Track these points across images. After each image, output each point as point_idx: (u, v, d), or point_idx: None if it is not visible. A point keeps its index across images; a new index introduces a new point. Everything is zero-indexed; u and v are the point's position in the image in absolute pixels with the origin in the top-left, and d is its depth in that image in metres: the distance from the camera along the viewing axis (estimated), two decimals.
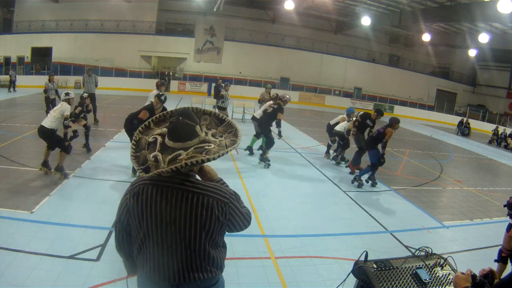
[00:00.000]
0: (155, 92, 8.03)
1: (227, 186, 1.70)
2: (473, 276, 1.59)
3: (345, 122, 8.39)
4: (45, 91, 10.45)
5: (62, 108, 5.78)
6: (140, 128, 1.71)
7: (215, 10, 20.64)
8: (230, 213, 1.56)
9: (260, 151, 8.15)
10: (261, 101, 10.41)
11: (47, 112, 10.08)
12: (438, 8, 18.47)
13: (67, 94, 6.23)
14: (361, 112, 7.91)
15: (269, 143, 7.57)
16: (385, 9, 21.74)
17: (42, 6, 22.80)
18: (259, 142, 8.45)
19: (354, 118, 8.05)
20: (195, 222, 1.50)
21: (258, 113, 8.03)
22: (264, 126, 7.55)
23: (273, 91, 11.13)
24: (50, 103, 10.30)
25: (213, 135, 1.65)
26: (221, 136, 1.65)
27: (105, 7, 23.53)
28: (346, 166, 8.21)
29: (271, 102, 7.69)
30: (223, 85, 13.00)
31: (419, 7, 19.25)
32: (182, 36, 25.56)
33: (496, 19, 15.59)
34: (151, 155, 1.53)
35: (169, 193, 1.51)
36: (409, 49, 29.15)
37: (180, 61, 26.26)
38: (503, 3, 12.97)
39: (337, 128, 8.39)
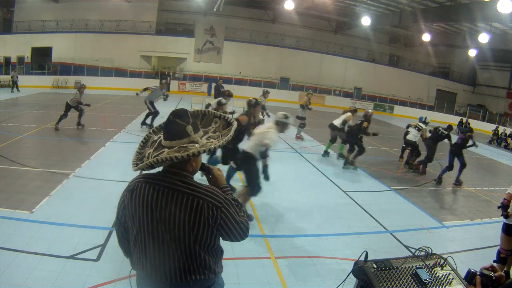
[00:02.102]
0: (223, 100, 7.61)
1: (230, 193, 1.70)
2: (474, 274, 1.58)
3: (416, 130, 8.86)
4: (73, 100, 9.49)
5: (267, 135, 4.43)
6: (154, 128, 1.77)
7: (215, 10, 20.62)
8: (221, 218, 1.54)
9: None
10: (305, 107, 10.67)
11: (62, 117, 9.34)
12: (438, 8, 18.46)
13: (285, 117, 4.64)
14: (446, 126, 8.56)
15: (360, 151, 8.15)
16: (385, 9, 21.73)
17: (42, 6, 22.79)
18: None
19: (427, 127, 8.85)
20: (183, 222, 1.50)
21: (338, 122, 8.66)
22: (352, 138, 8.15)
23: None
24: (68, 111, 9.50)
25: (210, 137, 1.66)
26: (215, 139, 1.67)
27: (105, 7, 23.53)
28: (414, 169, 8.82)
29: (349, 114, 8.62)
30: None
31: (419, 7, 19.24)
32: (182, 36, 25.55)
33: (496, 19, 15.58)
34: (147, 152, 1.60)
35: (161, 192, 1.53)
36: (409, 49, 29.14)
37: (180, 61, 26.26)
38: (503, 3, 12.96)
39: (410, 137, 8.84)
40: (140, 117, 12.67)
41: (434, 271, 2.02)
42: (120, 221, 1.71)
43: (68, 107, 9.38)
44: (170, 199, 1.51)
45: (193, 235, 1.52)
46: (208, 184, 1.69)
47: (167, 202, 1.51)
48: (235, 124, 1.75)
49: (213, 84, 23.56)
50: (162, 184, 1.54)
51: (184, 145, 1.53)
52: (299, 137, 11.13)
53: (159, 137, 1.66)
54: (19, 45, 22.31)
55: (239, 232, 1.61)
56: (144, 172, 1.63)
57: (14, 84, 17.91)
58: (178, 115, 1.57)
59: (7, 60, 22.27)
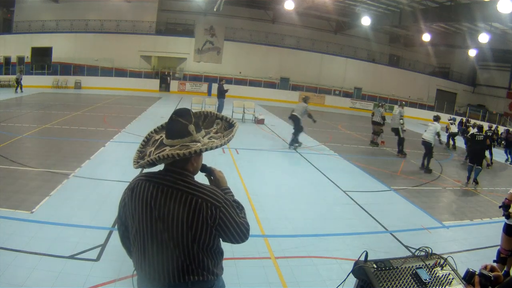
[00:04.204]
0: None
1: (231, 195, 1.70)
2: (472, 274, 1.58)
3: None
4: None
5: None
6: (156, 128, 1.78)
7: (215, 10, 20.62)
8: (220, 218, 1.53)
9: None
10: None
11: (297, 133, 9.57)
12: (438, 8, 18.46)
13: None
14: None
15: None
16: (385, 9, 21.73)
17: (42, 6, 22.80)
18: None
19: None
20: (181, 221, 1.50)
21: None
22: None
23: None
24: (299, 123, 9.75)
25: (211, 138, 1.66)
26: (217, 139, 1.67)
27: (105, 7, 23.54)
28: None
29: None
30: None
31: (419, 7, 19.24)
32: (182, 36, 25.56)
33: (496, 19, 15.56)
34: (148, 151, 1.60)
35: (160, 190, 1.53)
36: (409, 49, 29.14)
37: (180, 61, 26.27)
38: (503, 3, 12.95)
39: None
40: (140, 117, 12.70)
41: (434, 271, 2.02)
42: (121, 219, 1.71)
43: (297, 119, 9.56)
44: (169, 197, 1.51)
45: (192, 235, 1.51)
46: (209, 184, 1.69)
47: (166, 201, 1.51)
48: (237, 125, 1.75)
49: (214, 84, 23.73)
50: (162, 183, 1.55)
51: (186, 144, 1.54)
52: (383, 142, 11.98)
53: (161, 136, 1.66)
54: (19, 45, 22.31)
55: (238, 233, 1.60)
56: (145, 170, 1.64)
57: (18, 85, 17.84)
58: (180, 114, 1.57)
59: (7, 60, 22.27)
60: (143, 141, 1.73)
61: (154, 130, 1.77)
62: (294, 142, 9.67)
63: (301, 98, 10.49)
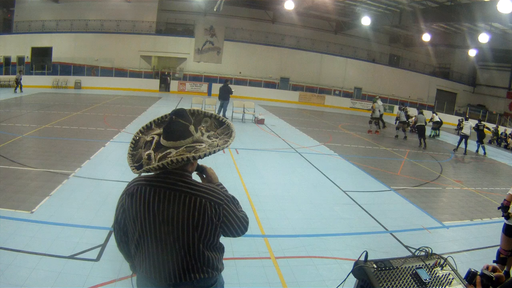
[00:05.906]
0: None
1: (226, 190, 1.71)
2: (474, 274, 1.58)
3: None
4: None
5: None
6: (141, 128, 1.75)
7: (215, 10, 20.62)
8: (224, 215, 1.55)
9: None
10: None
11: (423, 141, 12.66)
12: (438, 8, 18.47)
13: None
14: None
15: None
16: (385, 9, 21.74)
17: (42, 6, 22.80)
18: None
19: None
20: (187, 222, 1.50)
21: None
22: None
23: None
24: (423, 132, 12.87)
25: (209, 137, 1.66)
26: (217, 138, 1.67)
27: (105, 7, 23.53)
28: None
29: None
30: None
31: (419, 7, 19.24)
32: (182, 36, 25.56)
33: (496, 19, 15.59)
34: (145, 153, 1.56)
35: (162, 193, 1.52)
36: (409, 49, 29.14)
37: (180, 61, 26.26)
38: (503, 3, 12.95)
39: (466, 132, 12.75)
40: (140, 117, 12.70)
41: (434, 271, 2.02)
42: (120, 225, 1.68)
43: (424, 128, 12.73)
44: (172, 200, 1.51)
45: (197, 234, 1.52)
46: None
47: (170, 203, 1.51)
48: (230, 123, 1.75)
49: (214, 84, 23.71)
50: (163, 186, 1.53)
51: (190, 145, 1.53)
52: None
53: (153, 137, 1.63)
54: (19, 45, 22.30)
55: (240, 226, 1.64)
56: (143, 174, 1.62)
57: (18, 85, 17.81)
58: (180, 114, 1.56)
59: (7, 60, 22.25)
60: (132, 143, 1.69)
61: (140, 131, 1.74)
62: (424, 146, 12.58)
63: (418, 111, 13.77)
